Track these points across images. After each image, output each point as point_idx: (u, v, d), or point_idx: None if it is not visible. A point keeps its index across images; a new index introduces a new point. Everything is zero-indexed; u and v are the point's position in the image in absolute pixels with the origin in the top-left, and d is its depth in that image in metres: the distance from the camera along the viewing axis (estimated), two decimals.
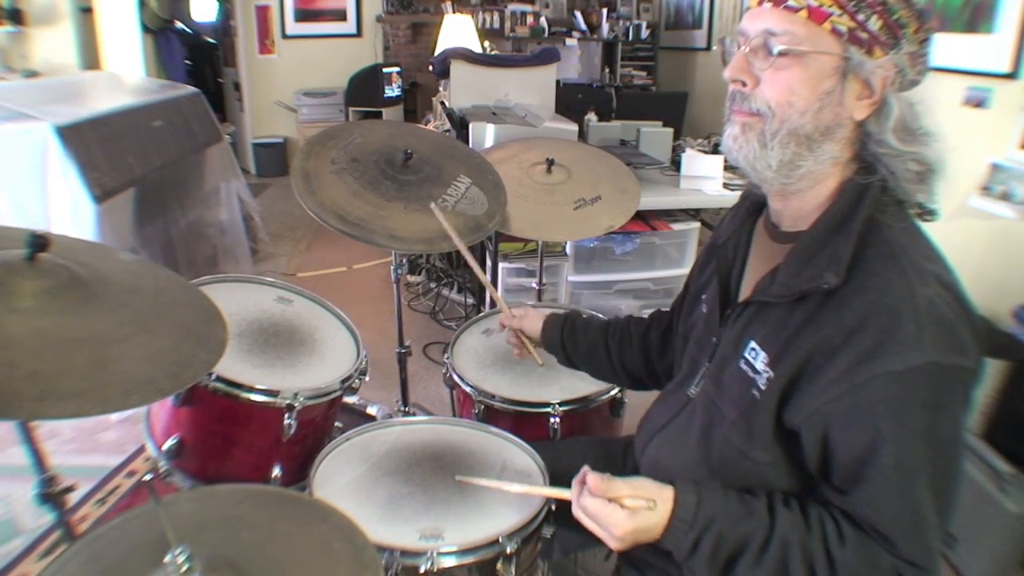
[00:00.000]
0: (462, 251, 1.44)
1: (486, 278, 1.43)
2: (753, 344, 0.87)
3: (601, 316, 1.34)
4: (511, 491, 1.05)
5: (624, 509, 0.84)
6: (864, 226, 0.81)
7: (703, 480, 0.89)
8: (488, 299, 2.70)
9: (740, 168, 0.89)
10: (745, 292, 0.96)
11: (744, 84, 0.84)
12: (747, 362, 0.88)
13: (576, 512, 0.89)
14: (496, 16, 5.81)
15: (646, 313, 1.34)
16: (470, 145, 2.42)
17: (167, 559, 0.70)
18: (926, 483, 0.77)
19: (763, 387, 0.85)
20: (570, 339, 1.30)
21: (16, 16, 4.24)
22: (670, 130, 3.08)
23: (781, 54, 0.80)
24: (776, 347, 0.84)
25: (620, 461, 1.21)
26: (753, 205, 1.01)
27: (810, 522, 0.82)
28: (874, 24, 0.79)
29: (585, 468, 0.90)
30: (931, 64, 0.83)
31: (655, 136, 3.02)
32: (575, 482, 0.91)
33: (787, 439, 0.85)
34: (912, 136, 0.82)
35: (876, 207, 0.82)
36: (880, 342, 0.75)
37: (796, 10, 0.80)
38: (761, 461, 0.87)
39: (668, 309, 1.26)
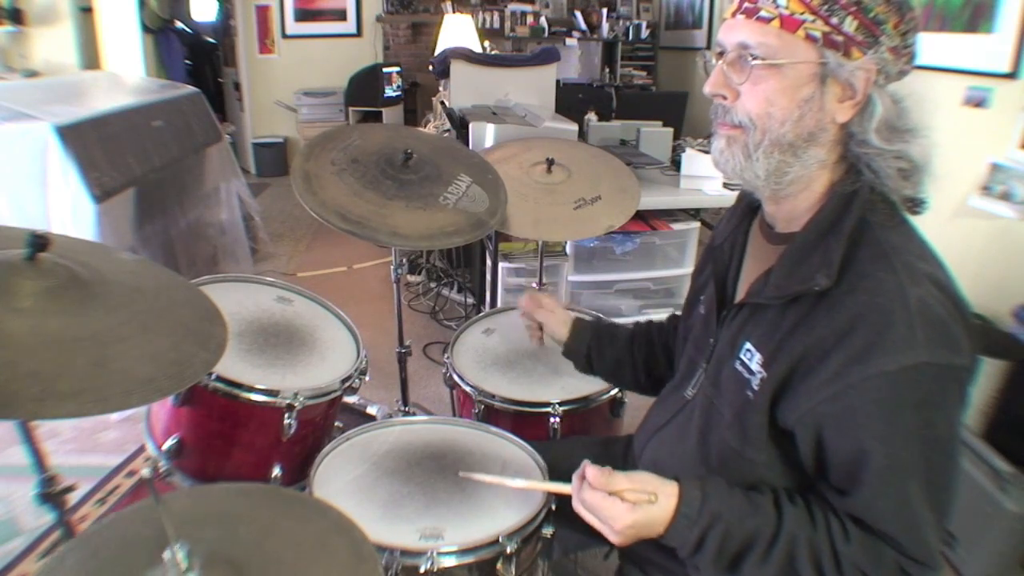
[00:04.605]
0: None
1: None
2: (748, 345, 0.87)
3: (622, 325, 1.32)
4: (512, 486, 1.05)
5: (624, 502, 0.84)
6: (855, 227, 0.81)
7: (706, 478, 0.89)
8: (488, 298, 2.70)
9: (730, 178, 0.89)
10: (741, 293, 0.97)
11: (725, 97, 0.85)
12: (742, 363, 0.88)
13: (576, 506, 0.89)
14: (496, 16, 5.81)
15: (646, 313, 1.34)
16: (470, 145, 2.42)
17: (166, 555, 0.70)
18: (922, 482, 0.77)
19: (756, 387, 0.85)
20: (596, 352, 1.28)
21: (16, 16, 4.24)
22: (670, 130, 3.08)
23: (756, 67, 0.80)
24: (770, 348, 0.84)
25: (620, 460, 1.21)
26: (748, 206, 1.02)
27: (815, 519, 0.82)
28: (849, 25, 0.78)
29: (586, 462, 0.89)
30: (918, 54, 0.82)
31: (655, 136, 3.02)
32: (575, 476, 0.90)
33: (782, 439, 0.85)
34: (896, 134, 0.81)
35: (867, 208, 0.82)
36: (872, 342, 0.75)
37: (768, 20, 0.79)
38: (757, 461, 0.87)
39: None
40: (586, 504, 0.87)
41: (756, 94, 0.82)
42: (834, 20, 0.78)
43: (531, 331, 1.36)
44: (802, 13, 0.78)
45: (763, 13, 0.80)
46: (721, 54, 0.85)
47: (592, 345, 1.28)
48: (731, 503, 0.84)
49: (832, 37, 0.78)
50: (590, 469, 0.87)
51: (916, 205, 0.85)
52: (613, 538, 0.86)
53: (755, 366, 0.85)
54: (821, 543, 0.81)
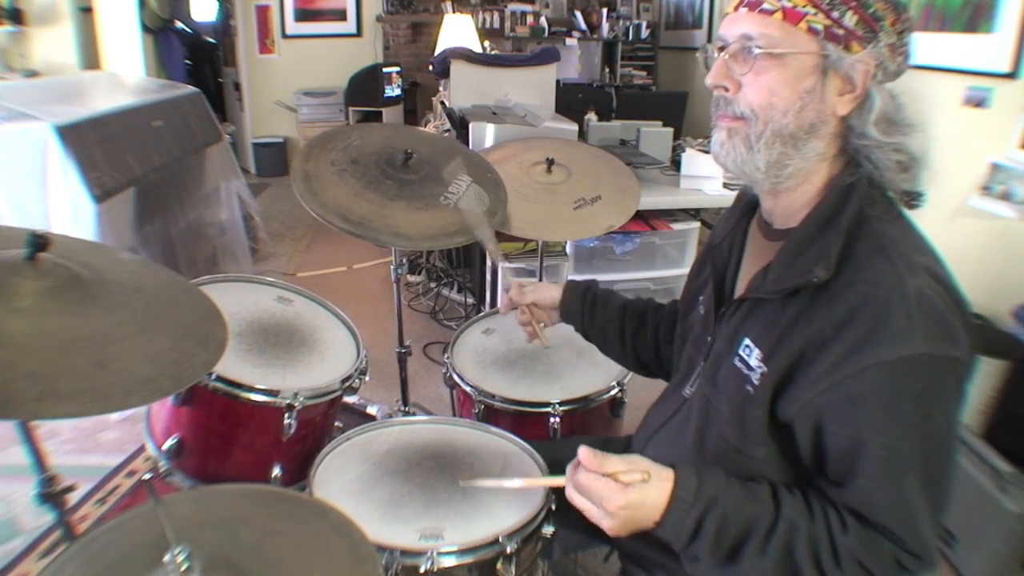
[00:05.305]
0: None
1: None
2: (747, 341, 0.87)
3: (618, 292, 1.31)
4: (511, 487, 1.05)
5: (618, 483, 0.83)
6: (853, 220, 0.82)
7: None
8: (488, 298, 2.70)
9: (730, 171, 0.90)
10: (739, 290, 0.97)
11: (727, 89, 0.85)
12: (741, 359, 0.88)
13: (569, 492, 0.88)
14: (496, 16, 5.81)
15: None
16: (470, 145, 2.42)
17: (167, 558, 0.70)
18: (919, 475, 0.77)
19: (756, 383, 0.85)
20: (590, 308, 1.27)
21: (16, 16, 4.24)
22: (670, 130, 3.08)
23: (759, 57, 0.81)
24: (769, 343, 0.84)
25: None
26: (747, 204, 1.02)
27: (813, 510, 0.82)
28: (850, 20, 0.79)
29: (582, 446, 0.88)
30: (913, 55, 0.83)
31: (655, 136, 3.03)
32: (569, 466, 0.90)
33: (781, 434, 0.86)
34: (894, 127, 0.82)
35: (865, 201, 0.83)
36: (871, 333, 0.75)
37: (771, 12, 0.81)
38: (756, 457, 0.87)
39: None
40: (579, 486, 0.86)
41: (759, 84, 0.82)
42: (835, 14, 0.79)
43: (525, 328, 1.34)
44: (804, 6, 0.80)
45: (766, 6, 0.81)
46: (722, 47, 0.86)
47: (587, 301, 1.27)
48: (728, 489, 0.84)
49: (833, 30, 0.79)
50: (583, 450, 0.86)
51: (913, 199, 0.86)
52: (607, 523, 0.84)
53: (754, 362, 0.86)
54: (819, 533, 0.81)
